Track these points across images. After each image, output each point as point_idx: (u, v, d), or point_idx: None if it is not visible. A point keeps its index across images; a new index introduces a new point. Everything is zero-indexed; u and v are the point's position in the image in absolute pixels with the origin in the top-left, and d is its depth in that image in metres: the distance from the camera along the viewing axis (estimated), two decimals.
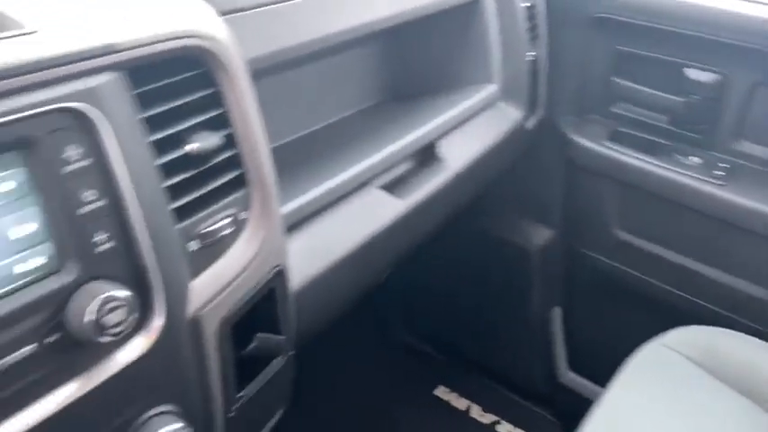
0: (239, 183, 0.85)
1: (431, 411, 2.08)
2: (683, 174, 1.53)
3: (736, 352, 1.30)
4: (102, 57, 0.66)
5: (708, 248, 1.56)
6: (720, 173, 1.50)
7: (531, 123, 1.62)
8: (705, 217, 1.52)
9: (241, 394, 0.89)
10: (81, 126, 0.64)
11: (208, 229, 0.80)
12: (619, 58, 1.63)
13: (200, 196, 0.79)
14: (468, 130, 1.43)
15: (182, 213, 0.77)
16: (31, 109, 0.61)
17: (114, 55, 0.68)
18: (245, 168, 0.85)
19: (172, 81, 0.75)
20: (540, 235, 1.87)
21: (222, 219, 0.82)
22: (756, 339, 1.33)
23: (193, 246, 0.79)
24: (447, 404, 2.10)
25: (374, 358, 2.24)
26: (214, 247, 0.82)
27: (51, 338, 0.65)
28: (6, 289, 0.62)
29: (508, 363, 2.09)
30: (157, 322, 0.73)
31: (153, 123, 0.73)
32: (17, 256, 0.63)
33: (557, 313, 1.95)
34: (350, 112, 1.46)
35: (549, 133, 1.71)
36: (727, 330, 1.36)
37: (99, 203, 0.67)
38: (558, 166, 1.76)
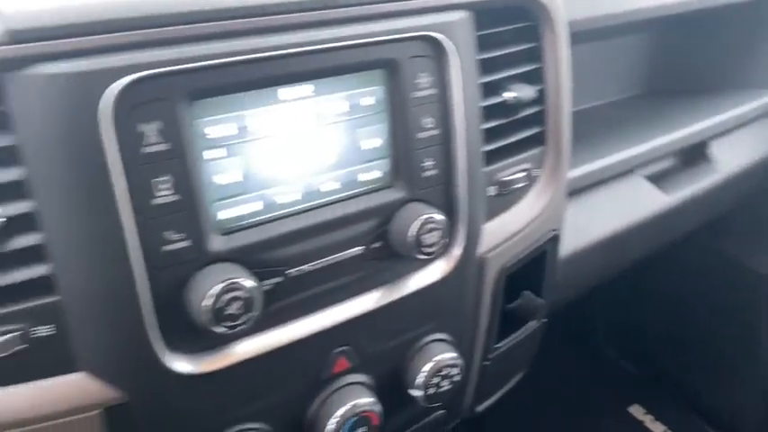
0: (538, 140, 0.87)
1: (621, 426, 1.98)
2: None
3: None
4: None
5: None
6: None
7: None
8: None
9: (498, 345, 0.91)
10: (436, 56, 0.69)
11: (505, 179, 0.83)
12: None
13: (506, 145, 0.82)
14: (744, 135, 1.33)
15: (489, 158, 0.80)
16: (400, 33, 0.66)
17: None
18: (547, 126, 0.86)
19: (505, 29, 0.79)
20: None
21: (518, 171, 0.85)
22: None
23: (491, 191, 0.82)
24: (640, 424, 1.99)
25: (572, 365, 2.18)
26: (507, 197, 0.84)
27: (375, 245, 0.70)
28: (350, 193, 0.69)
29: (717, 396, 1.93)
30: (456, 251, 0.76)
31: (484, 66, 0.76)
32: (363, 166, 0.69)
33: None
34: (613, 99, 1.43)
35: None
36: None
37: (434, 131, 0.71)
38: None
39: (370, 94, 0.68)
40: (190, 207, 0.58)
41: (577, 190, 1.08)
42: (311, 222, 0.66)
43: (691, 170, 1.25)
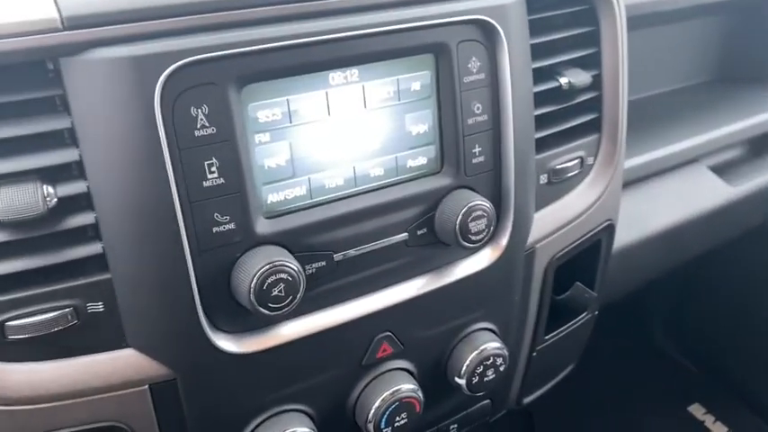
0: (593, 127, 0.84)
1: (681, 427, 1.92)
2: None
3: None
4: None
5: None
6: None
7: None
8: None
9: (547, 337, 0.90)
10: (487, 40, 0.68)
11: (558, 167, 0.81)
12: None
13: (559, 132, 0.80)
14: None
15: (540, 145, 0.78)
16: (450, 17, 0.65)
17: None
18: (602, 113, 0.83)
19: (560, 13, 0.76)
20: None
21: (571, 159, 0.82)
22: None
23: (543, 179, 0.80)
24: (701, 424, 1.92)
25: (627, 361, 2.12)
26: (559, 185, 0.82)
27: (420, 232, 0.70)
28: (396, 179, 0.68)
29: None
30: (503, 240, 0.75)
31: (537, 51, 0.74)
32: (410, 152, 0.69)
33: None
34: (679, 86, 1.37)
35: None
36: None
37: (483, 117, 0.70)
38: None
39: (418, 78, 0.67)
40: (239, 190, 0.59)
41: (636, 180, 1.05)
42: (356, 207, 0.66)
43: (758, 161, 1.19)
